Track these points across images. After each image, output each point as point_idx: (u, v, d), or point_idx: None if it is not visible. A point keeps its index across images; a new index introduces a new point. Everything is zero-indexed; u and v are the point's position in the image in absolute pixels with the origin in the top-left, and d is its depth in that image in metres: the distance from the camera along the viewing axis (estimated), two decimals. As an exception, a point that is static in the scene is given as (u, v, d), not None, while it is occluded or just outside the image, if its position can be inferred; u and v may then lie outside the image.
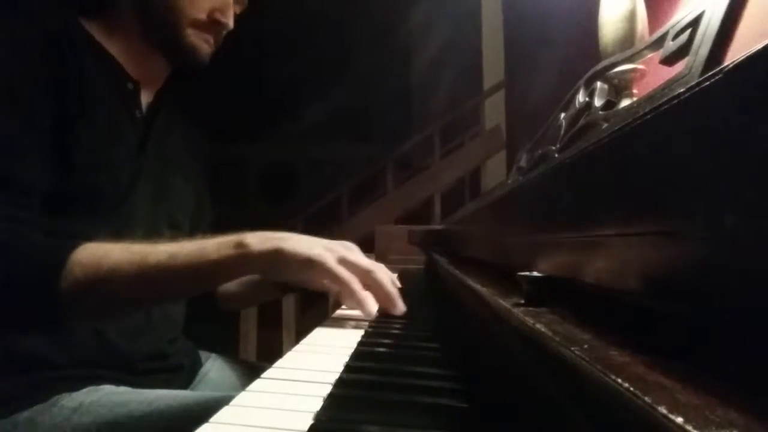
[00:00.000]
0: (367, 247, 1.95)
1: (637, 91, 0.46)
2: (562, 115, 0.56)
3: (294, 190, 4.47)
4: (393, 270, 1.14)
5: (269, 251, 0.60)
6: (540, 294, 0.32)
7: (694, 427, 0.13)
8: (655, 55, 0.40)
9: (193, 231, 0.93)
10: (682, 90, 0.17)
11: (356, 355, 0.48)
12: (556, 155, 0.52)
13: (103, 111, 0.73)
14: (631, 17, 0.51)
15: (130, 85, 0.79)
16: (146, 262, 0.59)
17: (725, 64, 0.15)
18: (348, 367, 0.44)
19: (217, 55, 0.85)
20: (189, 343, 0.91)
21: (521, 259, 0.38)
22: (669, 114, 0.18)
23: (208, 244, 0.61)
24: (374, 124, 4.24)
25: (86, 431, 0.61)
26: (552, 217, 0.32)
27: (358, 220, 3.41)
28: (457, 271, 0.60)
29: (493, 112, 3.47)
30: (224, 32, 0.82)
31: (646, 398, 0.14)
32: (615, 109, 0.44)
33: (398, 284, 0.87)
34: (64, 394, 0.65)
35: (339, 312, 0.74)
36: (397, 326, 0.62)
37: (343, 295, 0.62)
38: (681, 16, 0.36)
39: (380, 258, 1.77)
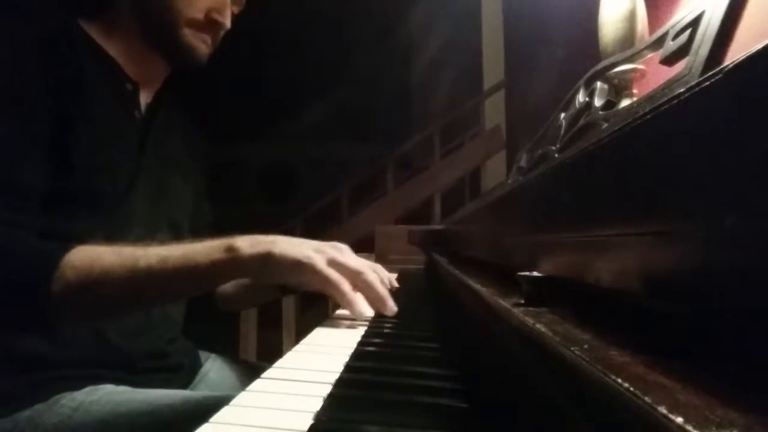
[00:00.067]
0: (367, 247, 1.96)
1: (637, 91, 0.46)
2: (562, 115, 0.56)
3: (294, 190, 4.47)
4: (393, 270, 1.14)
5: (259, 255, 0.61)
6: (540, 294, 0.32)
7: (694, 427, 0.13)
8: (655, 55, 0.40)
9: (192, 231, 0.93)
10: (682, 90, 0.17)
11: (356, 355, 0.48)
12: (556, 155, 0.52)
13: (102, 111, 0.73)
14: (631, 17, 0.51)
15: (129, 86, 0.79)
16: (137, 265, 0.59)
17: (725, 64, 0.15)
18: (348, 367, 0.44)
19: (217, 55, 0.85)
20: (189, 343, 0.91)
21: (521, 259, 0.38)
22: (669, 114, 0.18)
23: (199, 248, 0.62)
24: (374, 124, 4.24)
25: (86, 430, 0.62)
26: (552, 217, 0.32)
27: (358, 220, 3.40)
28: (457, 271, 0.60)
29: (493, 112, 3.47)
30: (222, 32, 0.82)
31: (646, 398, 0.14)
32: (615, 109, 0.44)
33: (395, 284, 0.87)
34: (64, 394, 0.65)
35: (339, 312, 0.74)
36: (397, 326, 0.62)
37: (333, 296, 0.62)
38: (681, 16, 0.36)
39: (380, 258, 1.77)
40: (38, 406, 0.64)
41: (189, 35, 0.78)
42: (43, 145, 0.65)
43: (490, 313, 0.35)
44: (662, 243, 0.19)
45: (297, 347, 0.52)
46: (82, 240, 0.63)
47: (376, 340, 0.55)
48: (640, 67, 0.46)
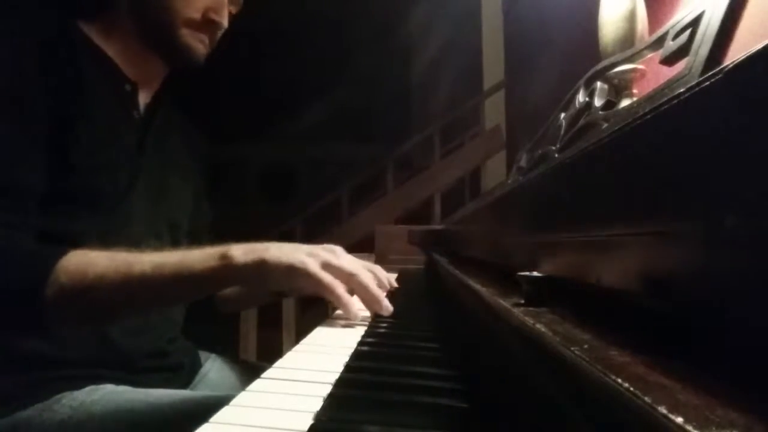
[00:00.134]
0: (367, 247, 1.96)
1: (637, 91, 0.46)
2: (562, 115, 0.56)
3: (294, 190, 4.47)
4: (393, 270, 1.14)
5: (253, 262, 0.61)
6: (540, 294, 0.32)
7: (694, 427, 0.13)
8: (655, 55, 0.40)
9: (191, 231, 0.94)
10: (682, 90, 0.17)
11: (356, 355, 0.48)
12: (556, 155, 0.52)
13: (101, 112, 0.73)
14: (631, 17, 0.51)
15: (127, 87, 0.80)
16: (131, 272, 0.59)
17: (725, 64, 0.15)
18: (348, 367, 0.44)
19: (217, 55, 0.85)
20: (189, 343, 0.91)
21: (521, 259, 0.38)
22: (669, 114, 0.18)
23: (193, 256, 0.62)
24: (374, 124, 4.24)
25: (87, 430, 0.62)
26: (552, 217, 0.32)
27: (358, 220, 3.40)
28: (457, 271, 0.60)
29: (493, 112, 3.47)
30: (219, 32, 0.82)
31: (646, 398, 0.14)
32: (615, 109, 0.44)
33: (395, 284, 0.87)
34: (65, 393, 0.65)
35: (339, 312, 0.74)
36: (398, 326, 0.62)
37: (328, 299, 0.62)
38: (681, 16, 0.36)
39: (380, 258, 1.77)
40: (39, 406, 0.64)
41: (186, 35, 0.78)
42: (42, 146, 0.65)
43: (490, 313, 0.35)
44: (662, 243, 0.19)
45: (297, 347, 0.52)
46: (82, 240, 0.63)
47: (376, 340, 0.55)
48: (640, 67, 0.46)
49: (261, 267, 0.61)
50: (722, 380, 0.16)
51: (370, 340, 0.55)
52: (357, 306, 0.64)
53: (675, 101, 0.18)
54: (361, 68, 4.14)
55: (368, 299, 0.65)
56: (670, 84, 0.32)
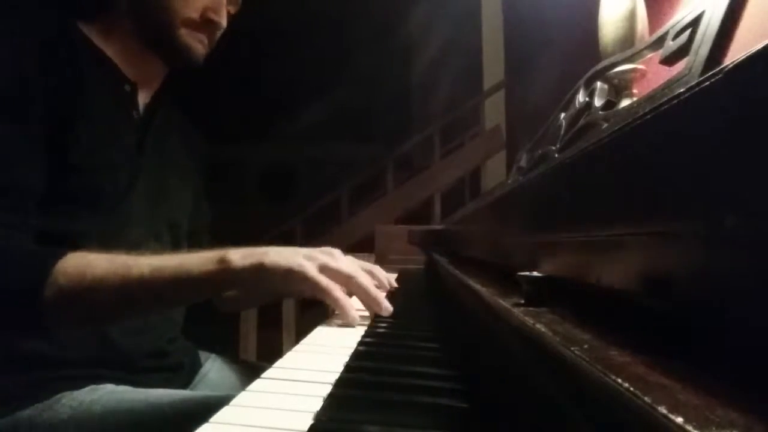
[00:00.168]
0: (367, 247, 1.96)
1: (637, 91, 0.46)
2: (562, 115, 0.56)
3: (294, 190, 4.47)
4: (393, 270, 1.14)
5: (251, 266, 0.61)
6: (540, 294, 0.32)
7: (694, 427, 0.13)
8: (655, 55, 0.40)
9: (191, 231, 0.94)
10: (682, 90, 0.17)
11: (356, 355, 0.48)
12: (556, 155, 0.52)
13: (100, 112, 0.73)
14: (631, 17, 0.51)
15: (127, 87, 0.80)
16: (129, 274, 0.60)
17: (725, 64, 0.15)
18: (348, 367, 0.44)
19: (217, 55, 0.85)
20: (188, 343, 0.92)
21: (521, 259, 0.38)
22: (669, 114, 0.18)
23: (192, 259, 0.62)
24: (374, 124, 4.24)
25: (88, 429, 0.62)
26: (552, 217, 0.32)
27: (358, 220, 3.40)
28: (457, 271, 0.60)
29: (493, 112, 3.47)
30: (218, 32, 0.83)
31: (646, 398, 0.14)
32: (615, 109, 0.44)
33: (394, 284, 0.87)
34: (65, 393, 0.65)
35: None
36: (398, 326, 0.62)
37: (326, 302, 0.62)
38: (681, 16, 0.36)
39: (380, 258, 1.77)
40: (39, 406, 0.64)
41: (185, 35, 0.78)
42: (41, 146, 0.65)
43: (490, 313, 0.35)
44: (662, 243, 0.19)
45: (297, 347, 0.52)
46: (82, 240, 0.64)
47: (376, 340, 0.55)
48: (640, 67, 0.46)
49: (259, 271, 0.61)
50: (722, 380, 0.16)
51: (370, 340, 0.55)
52: (355, 309, 0.64)
53: (675, 101, 0.18)
54: (361, 68, 4.14)
55: (367, 301, 0.65)
56: (670, 84, 0.32)
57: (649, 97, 0.34)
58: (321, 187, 3.87)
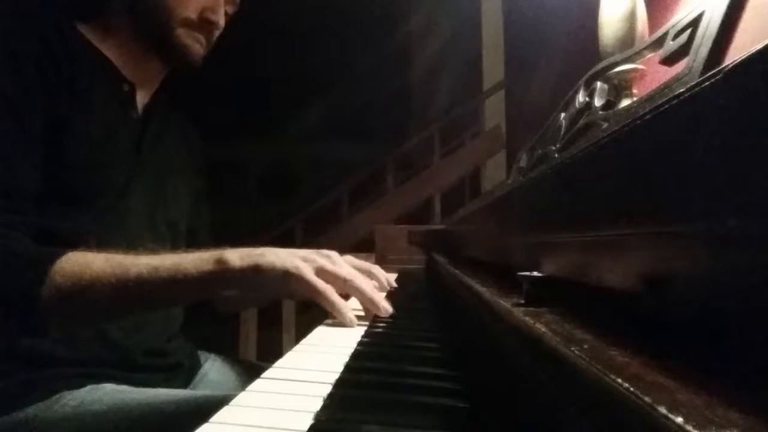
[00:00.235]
0: (367, 247, 1.95)
1: (637, 91, 0.46)
2: (562, 115, 0.56)
3: (294, 190, 4.47)
4: (393, 270, 1.14)
5: (248, 267, 0.61)
6: (540, 294, 0.32)
7: (694, 427, 0.13)
8: (655, 55, 0.40)
9: (190, 231, 0.94)
10: (682, 90, 0.17)
11: (356, 355, 0.48)
12: (556, 155, 0.52)
13: (99, 112, 0.73)
14: (631, 17, 0.51)
15: (125, 87, 0.80)
16: (127, 274, 0.60)
17: (725, 64, 0.15)
18: (348, 367, 0.44)
19: (217, 54, 0.85)
20: (188, 344, 0.92)
21: (521, 259, 0.38)
22: (669, 114, 0.18)
23: (189, 260, 0.62)
24: (374, 124, 4.24)
25: (87, 429, 0.62)
26: (552, 217, 0.32)
27: (358, 220, 3.40)
28: (457, 271, 0.60)
29: (493, 112, 3.47)
30: (216, 32, 0.83)
31: (646, 398, 0.14)
32: (615, 109, 0.44)
33: (394, 284, 0.87)
34: (65, 393, 0.65)
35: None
36: (398, 326, 0.62)
37: (322, 305, 0.62)
38: (681, 16, 0.36)
39: (380, 258, 1.77)
40: (39, 405, 0.64)
41: (183, 35, 0.78)
42: (39, 146, 0.65)
43: (490, 313, 0.35)
44: (662, 243, 0.19)
45: (297, 347, 0.52)
46: (80, 239, 0.64)
47: (376, 340, 0.55)
48: (640, 67, 0.46)
49: (256, 272, 0.61)
50: (722, 380, 0.16)
51: (369, 340, 0.55)
52: (353, 309, 0.64)
53: (675, 101, 0.18)
54: (361, 68, 4.14)
55: (365, 303, 0.65)
56: (670, 84, 0.32)
57: (649, 97, 0.34)
58: (321, 187, 3.87)
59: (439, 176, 3.48)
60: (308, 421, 0.32)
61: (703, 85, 0.16)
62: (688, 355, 0.18)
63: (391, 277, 0.87)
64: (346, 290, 0.64)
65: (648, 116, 0.19)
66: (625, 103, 0.45)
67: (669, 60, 0.35)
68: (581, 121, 0.48)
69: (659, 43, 0.39)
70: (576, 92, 0.53)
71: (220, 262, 0.62)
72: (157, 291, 0.61)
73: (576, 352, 0.20)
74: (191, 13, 0.78)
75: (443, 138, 3.75)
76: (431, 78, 4.26)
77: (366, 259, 0.84)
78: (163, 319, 0.82)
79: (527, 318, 0.27)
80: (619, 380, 0.16)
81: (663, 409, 0.14)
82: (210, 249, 0.64)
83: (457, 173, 3.51)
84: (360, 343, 0.52)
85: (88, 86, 0.72)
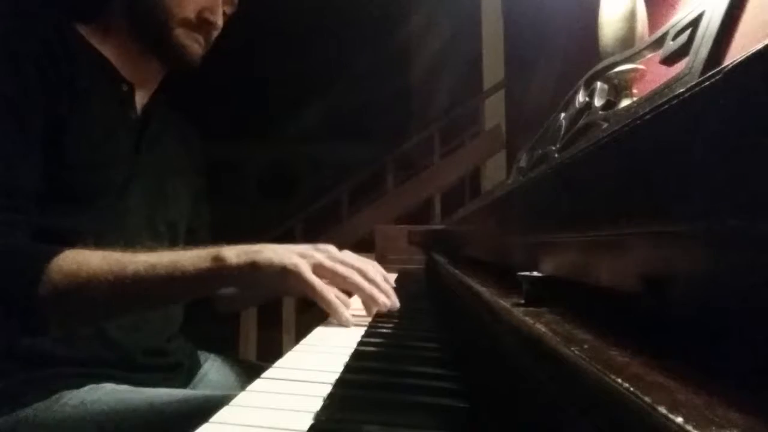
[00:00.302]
0: (367, 247, 1.95)
1: (637, 91, 0.46)
2: (562, 115, 0.56)
3: (294, 190, 4.47)
4: (393, 270, 1.14)
5: (245, 264, 0.61)
6: (540, 294, 0.32)
7: (694, 427, 0.13)
8: (655, 55, 0.40)
9: (189, 231, 0.94)
10: (682, 90, 0.17)
11: (356, 355, 0.48)
12: (556, 155, 0.52)
13: (98, 113, 0.73)
14: (631, 17, 0.51)
15: (124, 87, 0.80)
16: (124, 271, 0.60)
17: (725, 64, 0.15)
18: (348, 367, 0.44)
19: (217, 55, 0.85)
20: (188, 344, 0.92)
21: (521, 259, 0.38)
22: (669, 114, 0.18)
23: (186, 257, 0.62)
24: (374, 124, 4.24)
25: (87, 428, 0.62)
26: (552, 217, 0.32)
27: (358, 220, 3.40)
28: (457, 271, 0.60)
29: (493, 112, 3.46)
30: (214, 32, 0.83)
31: (646, 398, 0.14)
32: (615, 109, 0.44)
33: (392, 283, 0.87)
34: (65, 392, 0.65)
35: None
36: (398, 326, 0.62)
37: (318, 304, 0.62)
38: (681, 16, 0.36)
39: (380, 258, 1.77)
40: (39, 405, 0.64)
41: (181, 35, 0.78)
42: (39, 146, 0.66)
43: (490, 313, 0.35)
44: (662, 243, 0.19)
45: (297, 347, 0.52)
46: (79, 239, 0.64)
47: (376, 340, 0.55)
48: (640, 67, 0.46)
49: (253, 268, 0.61)
50: (722, 380, 0.16)
51: (370, 340, 0.55)
52: (351, 309, 0.64)
53: (675, 101, 0.18)
54: (361, 68, 4.14)
55: (364, 298, 0.65)
56: (670, 84, 0.32)
57: (649, 97, 0.34)
58: (321, 187, 3.87)
59: (439, 176, 3.48)
60: (308, 421, 0.32)
61: (703, 85, 0.16)
62: (688, 355, 0.18)
63: (390, 277, 0.87)
64: (345, 286, 0.64)
65: (648, 116, 0.19)
66: (625, 103, 0.45)
67: (669, 60, 0.35)
68: (581, 121, 0.48)
69: (659, 43, 0.39)
70: (576, 92, 0.53)
71: (218, 259, 0.61)
72: (154, 288, 0.61)
73: (576, 352, 0.20)
74: (189, 13, 0.78)
75: (443, 138, 3.75)
76: (431, 78, 4.26)
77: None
78: (162, 318, 0.82)
79: (527, 318, 0.27)
80: (619, 380, 0.16)
81: (663, 409, 0.14)
82: (207, 246, 0.64)
83: (457, 173, 3.51)
84: (360, 343, 0.52)
85: (88, 86, 0.72)
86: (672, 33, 0.36)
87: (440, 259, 0.92)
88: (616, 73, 0.47)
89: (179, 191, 0.91)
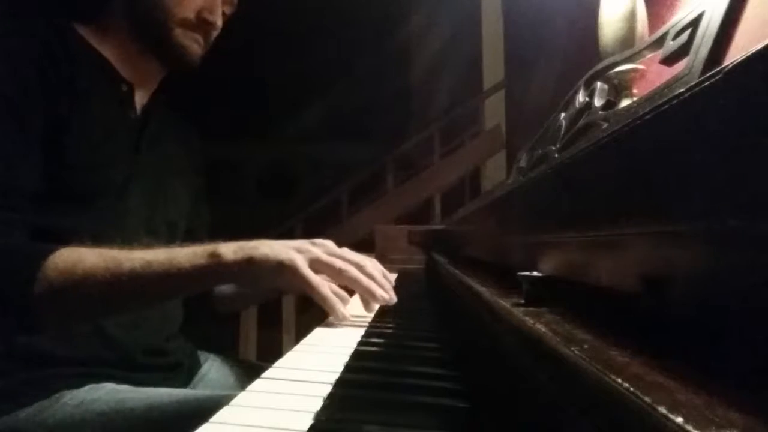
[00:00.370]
0: (367, 247, 1.95)
1: (637, 91, 0.46)
2: (562, 115, 0.56)
3: (294, 190, 4.47)
4: (393, 270, 1.14)
5: (242, 260, 0.61)
6: (540, 294, 0.32)
7: (694, 427, 0.13)
8: (655, 55, 0.40)
9: (189, 230, 0.94)
10: (682, 90, 0.17)
11: (356, 355, 0.48)
12: (556, 155, 0.52)
13: (97, 113, 0.73)
14: (631, 17, 0.51)
15: (124, 87, 0.80)
16: (120, 268, 0.60)
17: (725, 64, 0.15)
18: (348, 367, 0.44)
19: (216, 55, 0.85)
20: (188, 344, 0.92)
21: (521, 259, 0.38)
22: (669, 114, 0.18)
23: (183, 254, 0.62)
24: (374, 124, 4.24)
25: (87, 428, 0.62)
26: (552, 217, 0.32)
27: (358, 220, 3.40)
28: (457, 271, 0.60)
29: (493, 112, 3.46)
30: (214, 33, 0.83)
31: (646, 398, 0.14)
32: (615, 109, 0.44)
33: (391, 281, 0.87)
34: (65, 392, 0.65)
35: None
36: (397, 326, 0.62)
37: (315, 300, 0.62)
38: (681, 16, 0.36)
39: (380, 258, 1.77)
40: (39, 404, 0.64)
41: (181, 35, 0.79)
42: (38, 146, 0.66)
43: (491, 313, 0.35)
44: (662, 243, 0.19)
45: (297, 347, 0.52)
46: (78, 239, 0.64)
47: (376, 340, 0.55)
48: (640, 67, 0.46)
49: (250, 264, 0.61)
50: (722, 380, 0.16)
51: (370, 340, 0.55)
52: (348, 307, 0.64)
53: (675, 101, 0.18)
54: (361, 68, 4.14)
55: (362, 292, 0.65)
56: (670, 84, 0.32)
57: (649, 97, 0.34)
58: (321, 187, 3.87)
59: (439, 176, 3.48)
60: (308, 421, 0.32)
61: (703, 85, 0.16)
62: (688, 355, 0.18)
63: (391, 276, 0.87)
64: (342, 281, 0.64)
65: (648, 116, 0.19)
66: (625, 103, 0.45)
67: (669, 60, 0.35)
68: (581, 121, 0.48)
69: (659, 43, 0.39)
70: (576, 92, 0.53)
71: (214, 255, 0.61)
72: (150, 285, 0.61)
73: (576, 352, 0.20)
74: (189, 13, 0.78)
75: (443, 138, 3.75)
76: (431, 78, 4.26)
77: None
78: (160, 316, 0.82)
79: (527, 318, 0.27)
80: (619, 380, 0.16)
81: (663, 409, 0.14)
82: (204, 243, 0.64)
83: (457, 173, 3.51)
84: (360, 343, 0.52)
85: (88, 87, 0.72)
86: (672, 33, 0.36)
87: (440, 259, 0.92)
88: (616, 73, 0.47)
89: (179, 191, 0.91)
